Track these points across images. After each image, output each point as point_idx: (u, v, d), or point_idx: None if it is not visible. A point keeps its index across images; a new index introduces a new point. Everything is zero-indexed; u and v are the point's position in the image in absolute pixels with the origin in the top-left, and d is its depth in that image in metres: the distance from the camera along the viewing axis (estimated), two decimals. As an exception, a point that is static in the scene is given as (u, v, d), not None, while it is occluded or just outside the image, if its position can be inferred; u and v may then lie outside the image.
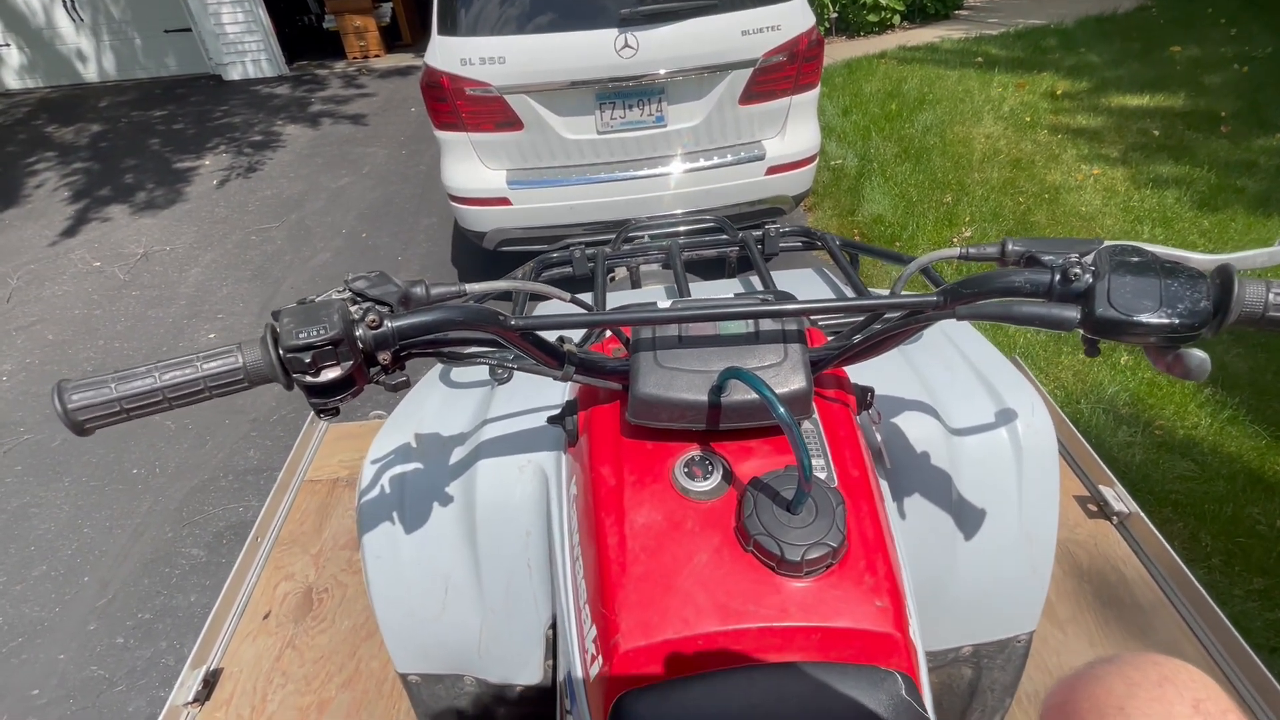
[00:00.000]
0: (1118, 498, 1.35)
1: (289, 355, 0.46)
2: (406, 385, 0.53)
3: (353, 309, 0.50)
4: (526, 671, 0.87)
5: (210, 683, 1.24)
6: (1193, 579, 1.19)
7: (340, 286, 0.53)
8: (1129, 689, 0.36)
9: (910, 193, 3.77)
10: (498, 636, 0.85)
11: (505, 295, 0.73)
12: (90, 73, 7.42)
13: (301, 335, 0.46)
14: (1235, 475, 2.06)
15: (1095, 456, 1.42)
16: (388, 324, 0.50)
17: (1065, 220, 3.41)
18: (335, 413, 0.51)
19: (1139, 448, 2.18)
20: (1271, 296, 0.45)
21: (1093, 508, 1.39)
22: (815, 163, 2.93)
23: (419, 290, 0.56)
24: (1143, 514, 1.31)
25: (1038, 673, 1.14)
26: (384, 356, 0.50)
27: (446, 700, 0.92)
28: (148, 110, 6.42)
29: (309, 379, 0.47)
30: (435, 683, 0.91)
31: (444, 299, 0.58)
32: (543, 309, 1.18)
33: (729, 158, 2.77)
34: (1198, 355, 0.46)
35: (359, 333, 0.49)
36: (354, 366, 0.48)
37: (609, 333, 0.76)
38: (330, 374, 0.47)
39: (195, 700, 1.20)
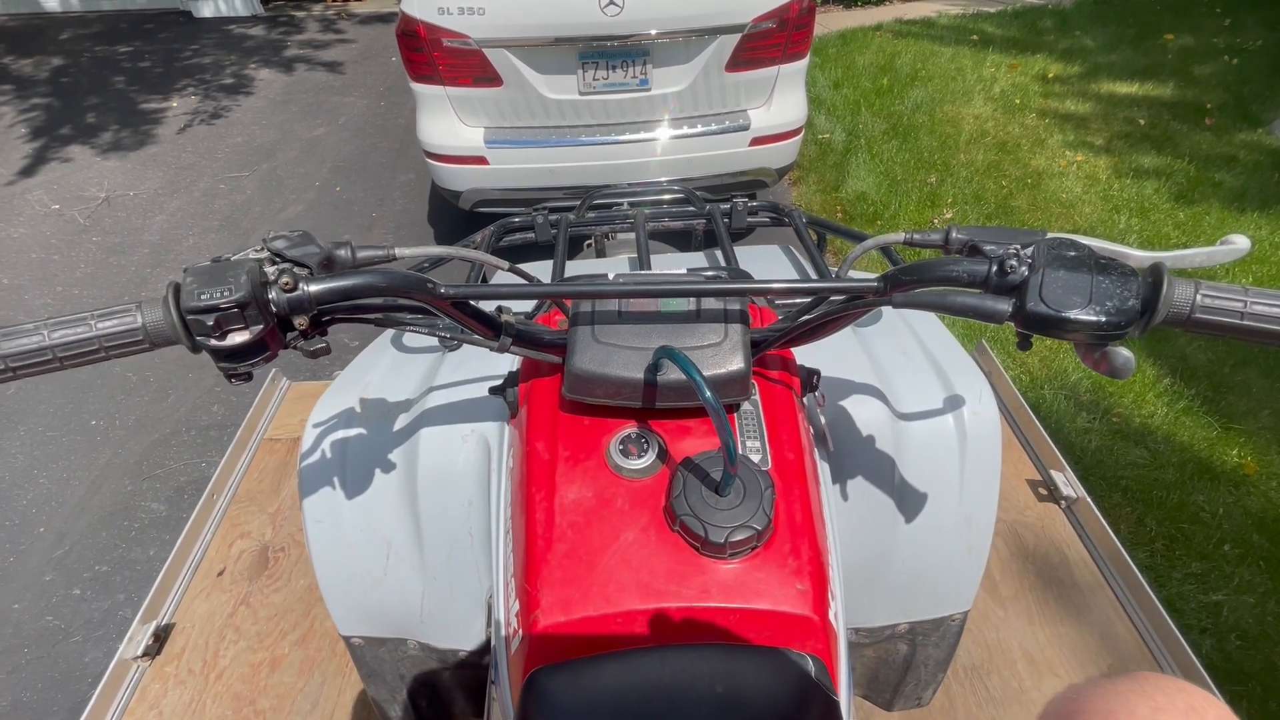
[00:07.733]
0: (1067, 483, 1.39)
1: (191, 317, 0.44)
2: (326, 352, 0.51)
3: (269, 270, 0.48)
4: (469, 638, 0.88)
5: (161, 637, 1.24)
6: (1130, 563, 1.23)
7: (258, 245, 0.50)
8: (1153, 712, 0.35)
9: (895, 171, 3.74)
10: (440, 603, 0.86)
11: (439, 262, 0.71)
12: (52, 1, 7.01)
13: (204, 296, 0.44)
14: (1184, 464, 2.12)
15: (1049, 441, 1.45)
16: (304, 287, 0.48)
17: (1045, 206, 3.42)
18: (247, 377, 0.49)
19: (1096, 434, 2.23)
20: (1199, 298, 0.45)
21: (1043, 491, 1.42)
22: (801, 135, 2.88)
23: (344, 253, 0.53)
24: (1089, 499, 1.34)
25: (975, 647, 1.18)
26: (300, 321, 0.48)
27: (390, 663, 0.93)
28: (112, 45, 6.10)
29: (214, 342, 0.45)
30: (378, 645, 0.91)
31: (370, 263, 0.56)
32: (500, 277, 1.15)
33: (713, 126, 2.71)
34: (1123, 354, 0.46)
35: (272, 295, 0.47)
36: (265, 331, 0.46)
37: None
38: (237, 338, 0.45)
39: (145, 654, 1.20)
